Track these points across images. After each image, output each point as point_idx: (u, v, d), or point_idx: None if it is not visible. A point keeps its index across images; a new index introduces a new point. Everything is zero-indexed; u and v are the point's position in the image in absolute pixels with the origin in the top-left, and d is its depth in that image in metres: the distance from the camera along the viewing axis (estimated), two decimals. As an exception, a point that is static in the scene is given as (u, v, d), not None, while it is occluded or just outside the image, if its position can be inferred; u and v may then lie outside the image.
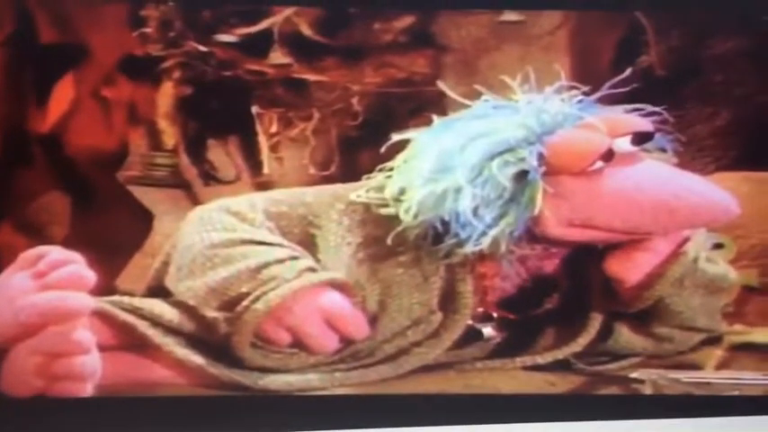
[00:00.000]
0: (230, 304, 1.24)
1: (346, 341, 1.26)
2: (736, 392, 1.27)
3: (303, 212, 1.28)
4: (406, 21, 1.32)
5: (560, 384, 1.27)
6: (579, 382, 1.27)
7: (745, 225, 1.32)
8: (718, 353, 1.29)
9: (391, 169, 1.26)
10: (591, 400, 1.27)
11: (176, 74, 1.32)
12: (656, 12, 1.31)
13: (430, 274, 1.25)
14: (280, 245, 1.26)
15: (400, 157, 1.26)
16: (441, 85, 1.28)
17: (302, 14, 1.31)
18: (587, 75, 1.27)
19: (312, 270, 1.25)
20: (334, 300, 1.25)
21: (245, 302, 1.23)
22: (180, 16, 1.31)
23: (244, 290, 1.24)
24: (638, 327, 1.28)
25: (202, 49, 1.31)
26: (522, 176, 1.22)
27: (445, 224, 1.23)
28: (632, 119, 1.25)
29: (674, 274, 1.26)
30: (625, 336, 1.28)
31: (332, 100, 1.33)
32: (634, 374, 1.28)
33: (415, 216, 1.23)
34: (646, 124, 1.25)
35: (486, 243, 1.22)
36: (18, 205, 1.30)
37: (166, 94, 1.32)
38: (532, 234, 1.24)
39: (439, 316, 1.26)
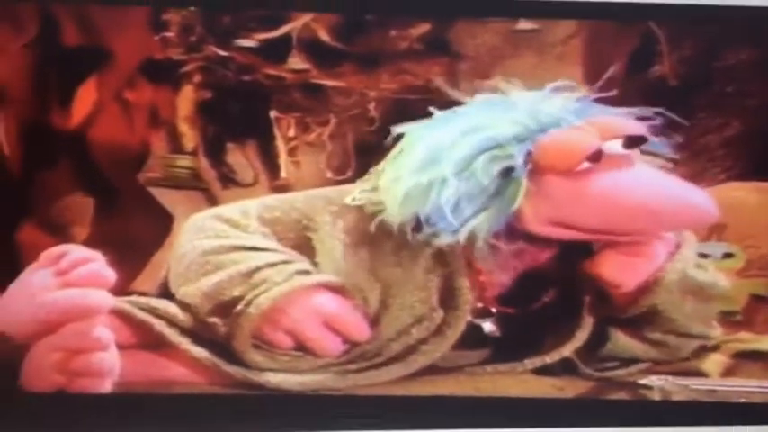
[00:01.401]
0: (225, 308, 1.26)
1: (351, 343, 1.28)
2: (743, 400, 1.28)
3: (297, 217, 1.29)
4: (423, 28, 1.33)
5: (569, 389, 1.28)
6: (587, 387, 1.29)
7: (755, 235, 1.33)
8: (725, 360, 1.31)
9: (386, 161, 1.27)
10: (599, 405, 1.29)
11: (197, 78, 1.34)
12: (670, 22, 1.32)
13: (427, 272, 1.27)
14: (273, 250, 1.28)
15: (394, 150, 1.27)
16: (438, 81, 1.29)
17: (320, 21, 1.33)
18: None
19: (305, 273, 1.27)
20: (330, 301, 1.27)
21: (239, 306, 1.25)
22: (201, 21, 1.33)
23: (236, 293, 1.26)
24: (631, 331, 1.30)
25: (222, 53, 1.33)
26: (507, 173, 1.23)
27: (428, 215, 1.24)
28: (626, 122, 1.26)
29: (669, 281, 1.27)
30: (622, 340, 1.29)
31: (349, 105, 1.34)
32: (643, 380, 1.29)
33: (402, 205, 1.25)
34: (639, 128, 1.25)
35: (463, 235, 1.23)
36: (41, 205, 1.33)
37: (187, 98, 1.34)
38: (514, 230, 1.25)
39: (440, 313, 1.27)
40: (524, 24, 1.33)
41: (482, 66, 1.32)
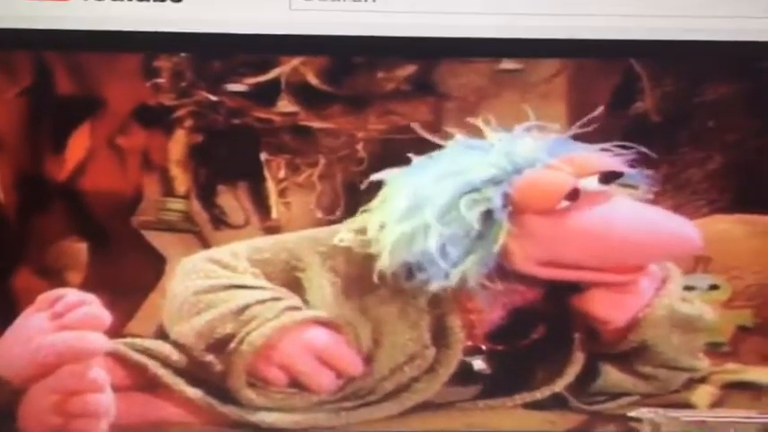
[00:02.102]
0: (218, 346, 1.27)
1: (345, 379, 1.29)
2: (732, 430, 1.29)
3: (286, 258, 1.31)
4: (408, 70, 1.35)
5: (560, 423, 1.29)
6: (578, 421, 1.30)
7: (740, 266, 1.34)
8: (713, 391, 1.32)
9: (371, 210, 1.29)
10: (590, 438, 1.30)
11: (188, 122, 1.36)
12: (651, 59, 1.34)
13: (418, 311, 1.28)
14: (262, 287, 1.30)
15: (379, 197, 1.29)
16: (414, 126, 1.32)
17: (309, 64, 1.35)
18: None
19: (295, 309, 1.28)
20: (321, 335, 1.28)
21: (232, 344, 1.27)
22: (191, 67, 1.35)
23: (229, 331, 1.27)
24: (622, 366, 1.31)
25: (213, 98, 1.35)
26: (489, 215, 1.25)
27: (417, 262, 1.25)
28: (601, 159, 1.27)
29: (657, 316, 1.28)
30: (613, 375, 1.30)
31: (337, 146, 1.37)
32: (633, 413, 1.30)
33: (391, 254, 1.26)
34: (614, 164, 1.27)
35: (453, 280, 1.25)
36: (36, 250, 1.35)
37: (178, 142, 1.36)
38: (504, 270, 1.26)
39: (432, 351, 1.28)
40: (507, 64, 1.36)
41: (467, 105, 1.35)
